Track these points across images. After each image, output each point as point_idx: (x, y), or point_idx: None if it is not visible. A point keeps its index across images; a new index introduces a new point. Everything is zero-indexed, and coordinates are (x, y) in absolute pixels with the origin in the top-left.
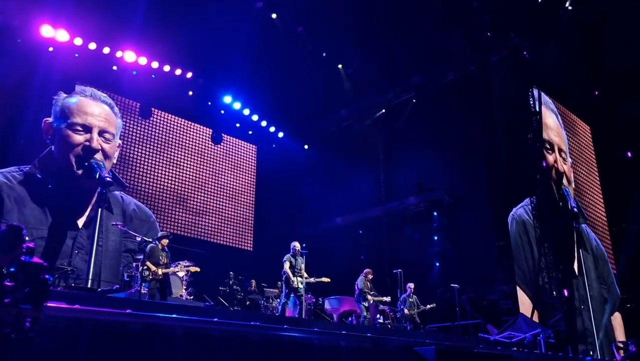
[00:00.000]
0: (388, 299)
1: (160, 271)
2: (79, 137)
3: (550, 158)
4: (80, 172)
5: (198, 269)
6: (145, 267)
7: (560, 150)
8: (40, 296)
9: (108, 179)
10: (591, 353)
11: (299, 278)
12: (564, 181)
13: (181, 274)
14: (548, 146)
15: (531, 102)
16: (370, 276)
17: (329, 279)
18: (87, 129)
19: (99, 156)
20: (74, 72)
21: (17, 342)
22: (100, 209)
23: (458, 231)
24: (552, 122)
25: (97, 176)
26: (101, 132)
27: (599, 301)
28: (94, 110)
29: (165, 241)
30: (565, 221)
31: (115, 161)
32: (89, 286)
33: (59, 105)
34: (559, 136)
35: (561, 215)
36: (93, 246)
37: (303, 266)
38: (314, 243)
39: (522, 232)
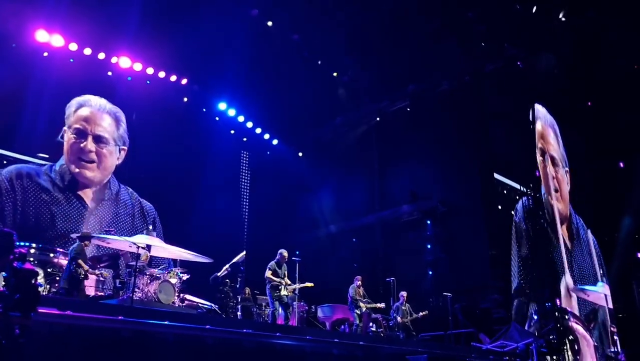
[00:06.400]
0: (382, 305)
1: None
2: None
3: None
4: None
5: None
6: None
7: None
8: (30, 303)
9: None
10: None
11: (282, 286)
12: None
13: (174, 281)
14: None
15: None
16: (359, 283)
17: (312, 284)
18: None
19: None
20: (69, 78)
21: (7, 348)
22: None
23: (451, 239)
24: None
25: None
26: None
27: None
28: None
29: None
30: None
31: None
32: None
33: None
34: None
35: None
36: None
37: (286, 273)
38: (308, 251)
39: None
